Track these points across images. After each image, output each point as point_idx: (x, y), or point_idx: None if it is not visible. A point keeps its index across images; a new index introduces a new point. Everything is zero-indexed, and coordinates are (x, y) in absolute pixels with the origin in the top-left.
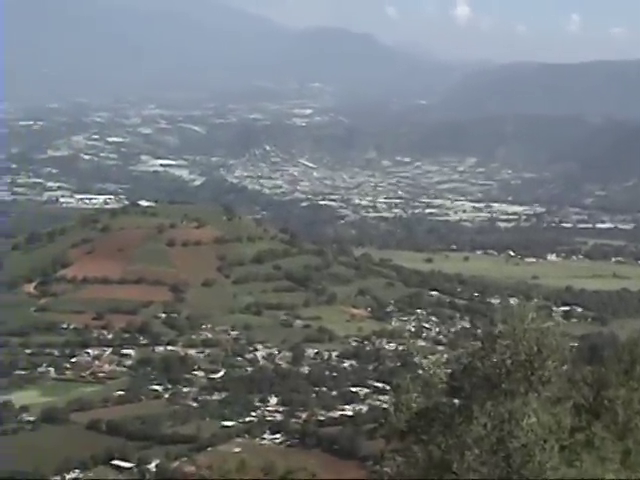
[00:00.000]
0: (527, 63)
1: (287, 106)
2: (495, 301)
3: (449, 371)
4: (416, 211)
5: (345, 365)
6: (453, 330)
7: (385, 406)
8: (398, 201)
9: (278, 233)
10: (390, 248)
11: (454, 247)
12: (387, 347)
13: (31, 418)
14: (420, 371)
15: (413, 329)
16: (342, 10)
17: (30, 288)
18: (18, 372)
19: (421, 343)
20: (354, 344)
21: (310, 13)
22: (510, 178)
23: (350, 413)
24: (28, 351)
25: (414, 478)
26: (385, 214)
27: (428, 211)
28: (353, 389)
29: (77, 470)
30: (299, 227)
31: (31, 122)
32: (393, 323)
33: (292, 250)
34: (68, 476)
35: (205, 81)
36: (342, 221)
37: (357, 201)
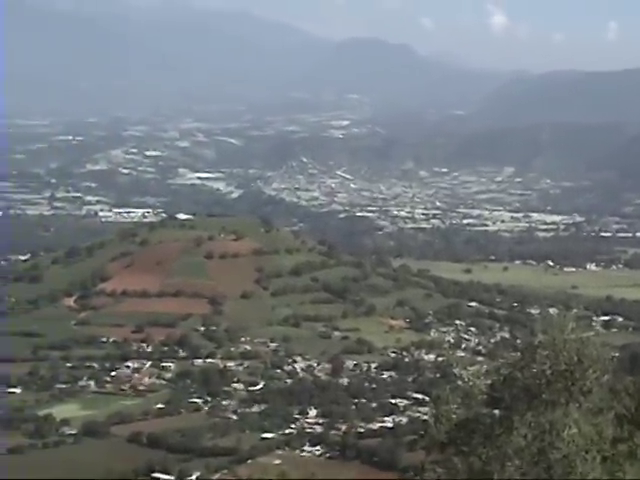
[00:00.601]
0: (564, 71)
1: (324, 118)
2: (534, 311)
3: (489, 382)
4: (454, 222)
5: (384, 376)
6: (492, 341)
7: (425, 417)
8: (436, 212)
9: (316, 245)
10: (428, 259)
11: (493, 257)
12: (426, 358)
13: (72, 431)
14: (460, 382)
15: (452, 340)
16: (378, 21)
17: (70, 302)
18: (59, 385)
19: (460, 354)
20: (393, 355)
21: (346, 25)
22: (548, 187)
23: (390, 425)
24: (69, 364)
25: None
26: (423, 225)
27: (466, 221)
28: (392, 400)
29: None
30: (337, 239)
31: (70, 137)
32: (432, 334)
33: (330, 262)
34: None
35: (242, 94)
36: (380, 232)
37: (395, 212)
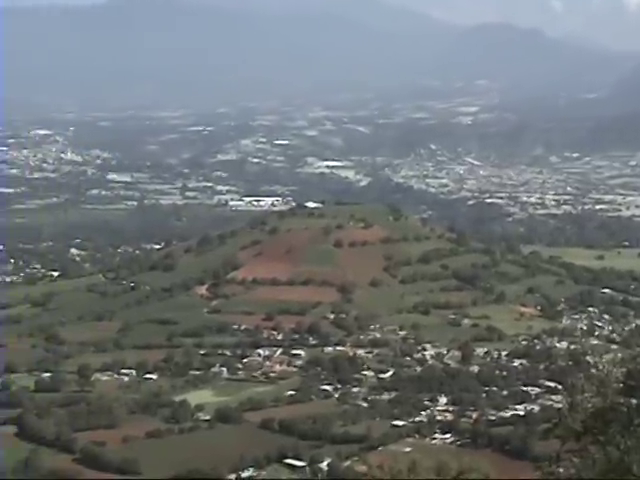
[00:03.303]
0: None
1: (452, 104)
2: None
3: (625, 370)
4: (586, 207)
5: (515, 364)
6: (627, 328)
7: (559, 406)
8: (567, 197)
9: (445, 232)
10: (559, 245)
11: (626, 243)
12: (558, 346)
13: (206, 417)
14: (594, 370)
15: (585, 327)
16: (507, 6)
17: (202, 290)
18: (193, 372)
19: (594, 342)
20: (524, 343)
21: (473, 10)
22: None
23: (521, 413)
24: (202, 351)
25: (592, 479)
26: (554, 211)
27: (598, 207)
28: (524, 388)
29: (251, 468)
30: (466, 226)
31: (201, 128)
32: (564, 321)
33: (459, 249)
34: (243, 474)
35: (370, 82)
36: (510, 219)
37: (525, 198)
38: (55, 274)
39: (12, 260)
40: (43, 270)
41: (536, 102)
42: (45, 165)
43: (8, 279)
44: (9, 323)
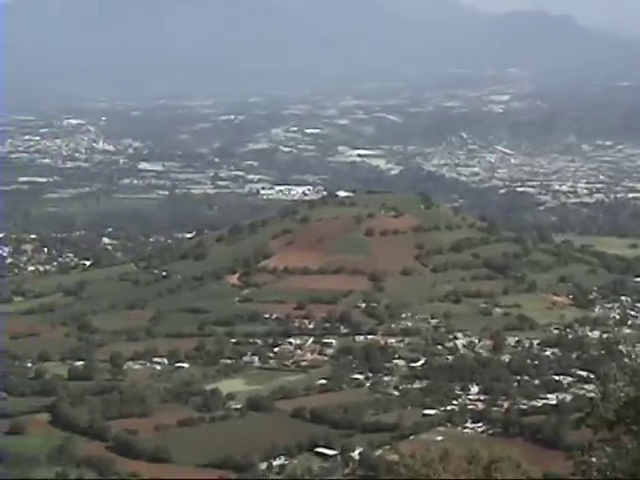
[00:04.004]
0: None
1: (484, 92)
2: None
3: None
4: (618, 196)
5: (547, 353)
6: None
7: (591, 395)
8: (599, 186)
9: (476, 221)
10: (592, 234)
11: None
12: (590, 335)
13: (237, 406)
14: (627, 360)
15: (617, 316)
16: None
17: (234, 279)
18: (224, 360)
19: (626, 331)
20: (556, 332)
21: None
22: None
23: (553, 402)
24: (233, 340)
25: (625, 469)
26: (586, 199)
27: (631, 195)
28: (556, 378)
29: (283, 457)
30: (497, 214)
31: (232, 117)
32: (596, 310)
33: (490, 238)
34: (275, 462)
35: (401, 70)
36: (541, 207)
37: (557, 187)
38: (87, 263)
39: (45, 249)
40: (76, 259)
41: (568, 90)
42: (77, 154)
43: (42, 268)
44: (42, 312)
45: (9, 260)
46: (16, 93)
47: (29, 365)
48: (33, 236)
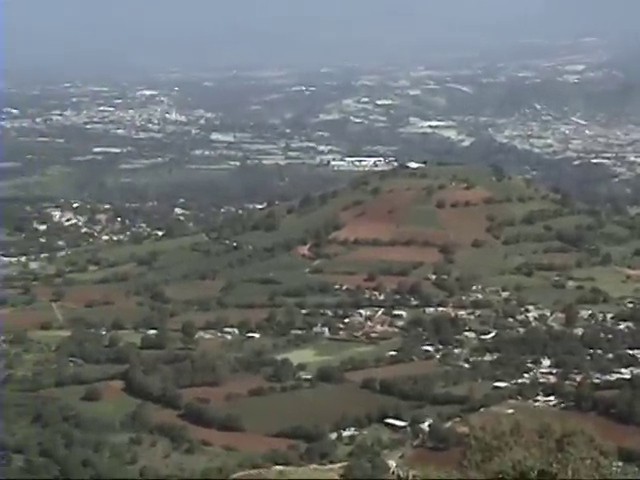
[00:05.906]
0: None
1: (558, 62)
2: None
3: None
4: None
5: (621, 327)
6: None
7: None
8: None
9: (549, 193)
10: None
11: None
12: None
13: (308, 376)
14: None
15: None
16: None
17: (304, 250)
18: (294, 331)
19: None
20: (630, 306)
21: None
22: None
23: (627, 376)
24: (303, 311)
25: None
26: None
27: None
28: (630, 352)
29: (352, 428)
30: (571, 186)
31: (303, 87)
32: None
33: (564, 210)
34: (344, 433)
35: (474, 40)
36: (616, 179)
37: (632, 158)
38: (160, 233)
39: (119, 219)
40: (148, 229)
41: None
42: (150, 125)
43: (115, 237)
44: (116, 281)
45: (84, 229)
46: (91, 64)
47: (103, 333)
48: (107, 206)
